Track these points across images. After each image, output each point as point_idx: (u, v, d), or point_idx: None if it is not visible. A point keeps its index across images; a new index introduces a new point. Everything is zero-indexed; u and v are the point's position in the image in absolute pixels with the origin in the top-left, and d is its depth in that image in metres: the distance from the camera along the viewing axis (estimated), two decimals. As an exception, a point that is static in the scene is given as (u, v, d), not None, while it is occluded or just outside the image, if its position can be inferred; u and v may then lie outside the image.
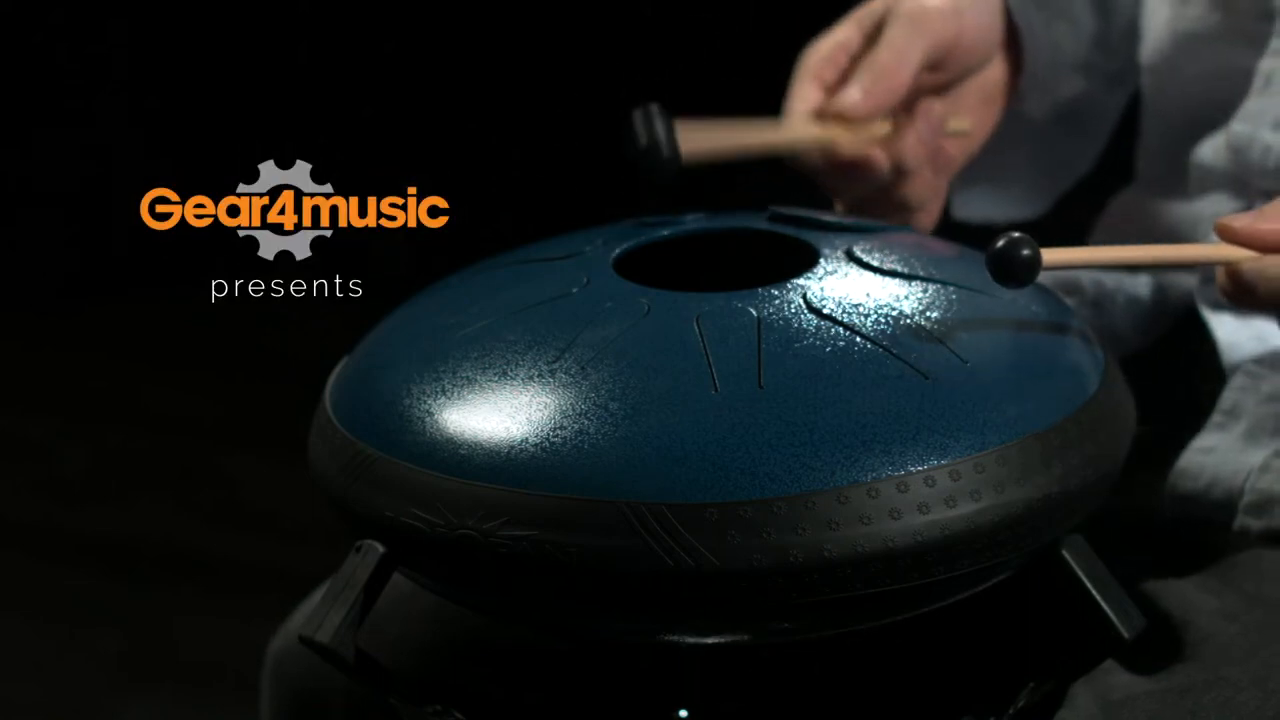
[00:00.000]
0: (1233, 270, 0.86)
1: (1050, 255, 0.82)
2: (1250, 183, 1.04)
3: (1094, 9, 1.16)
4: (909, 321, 0.84)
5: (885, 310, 0.85)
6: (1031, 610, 0.89)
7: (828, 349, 0.82)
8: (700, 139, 0.98)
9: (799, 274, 0.88)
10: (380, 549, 0.82)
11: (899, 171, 1.05)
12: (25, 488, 2.59)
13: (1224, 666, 0.87)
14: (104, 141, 3.17)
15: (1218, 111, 1.06)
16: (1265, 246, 0.85)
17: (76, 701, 2.14)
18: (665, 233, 0.95)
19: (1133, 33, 1.15)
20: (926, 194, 1.07)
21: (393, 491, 0.81)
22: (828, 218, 0.95)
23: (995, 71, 1.12)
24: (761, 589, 0.77)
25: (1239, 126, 1.03)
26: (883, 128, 1.05)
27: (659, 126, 0.94)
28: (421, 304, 0.93)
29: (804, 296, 0.86)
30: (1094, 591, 0.81)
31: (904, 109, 1.06)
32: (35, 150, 3.18)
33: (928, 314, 0.85)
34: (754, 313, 0.84)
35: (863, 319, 0.84)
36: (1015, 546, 0.80)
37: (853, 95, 1.04)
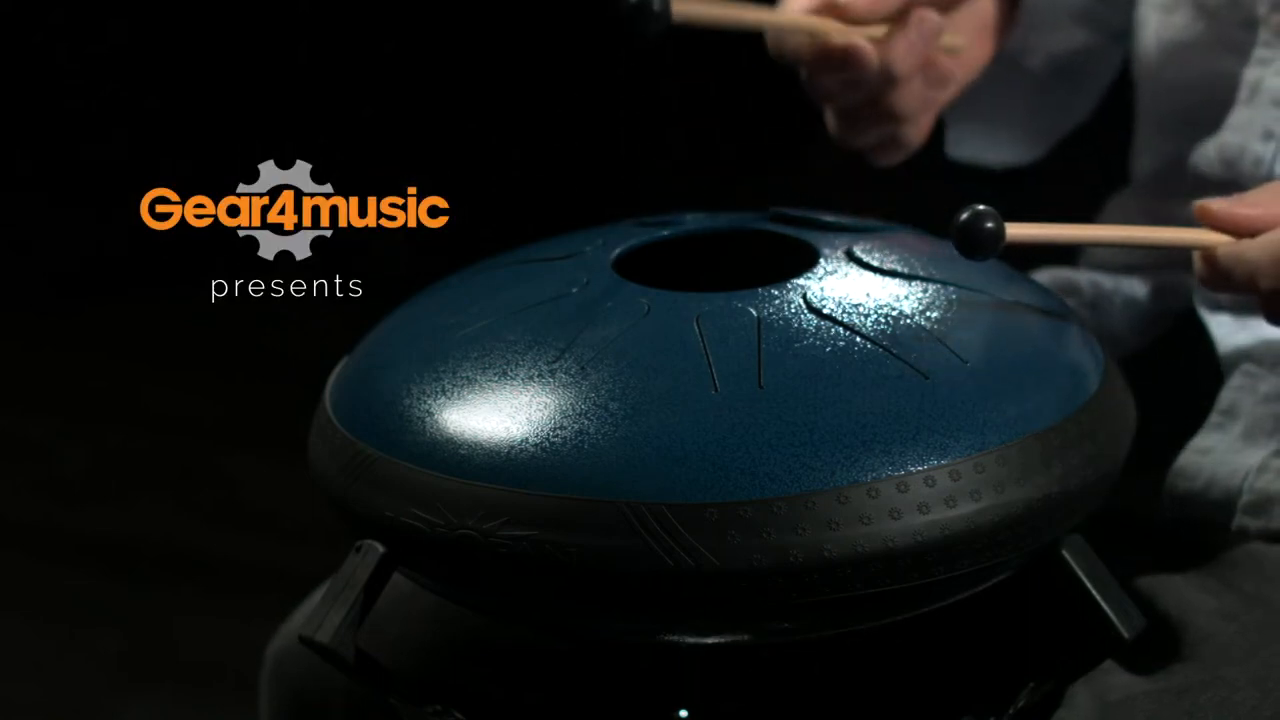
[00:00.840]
0: (1209, 255, 0.86)
1: (1015, 230, 0.82)
2: (1245, 189, 1.03)
3: None
4: (909, 321, 0.84)
5: (885, 310, 0.85)
6: (1031, 610, 0.89)
7: (828, 349, 0.82)
8: (694, 5, 0.97)
9: (799, 274, 0.88)
10: (380, 549, 0.82)
11: (887, 78, 1.03)
12: (25, 488, 2.59)
13: (1222, 666, 0.87)
14: (104, 141, 3.17)
15: (1208, 117, 1.06)
16: (1241, 231, 0.86)
17: (76, 701, 2.14)
18: (665, 233, 0.95)
19: None
20: (916, 105, 1.05)
21: (393, 491, 0.81)
22: (828, 218, 0.95)
23: (991, 4, 1.11)
24: (761, 589, 0.77)
25: (1229, 137, 1.03)
26: (877, 30, 1.03)
27: None
28: (421, 304, 0.93)
29: (804, 296, 0.86)
30: (1094, 591, 0.81)
31: (900, 18, 1.04)
32: (35, 150, 3.18)
33: (928, 314, 0.85)
34: (754, 313, 0.84)
35: (863, 319, 0.84)
36: (1015, 546, 0.80)
37: None
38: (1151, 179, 1.12)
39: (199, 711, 2.12)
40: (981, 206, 0.81)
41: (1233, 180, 1.04)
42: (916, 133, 1.06)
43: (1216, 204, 0.86)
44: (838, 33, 1.02)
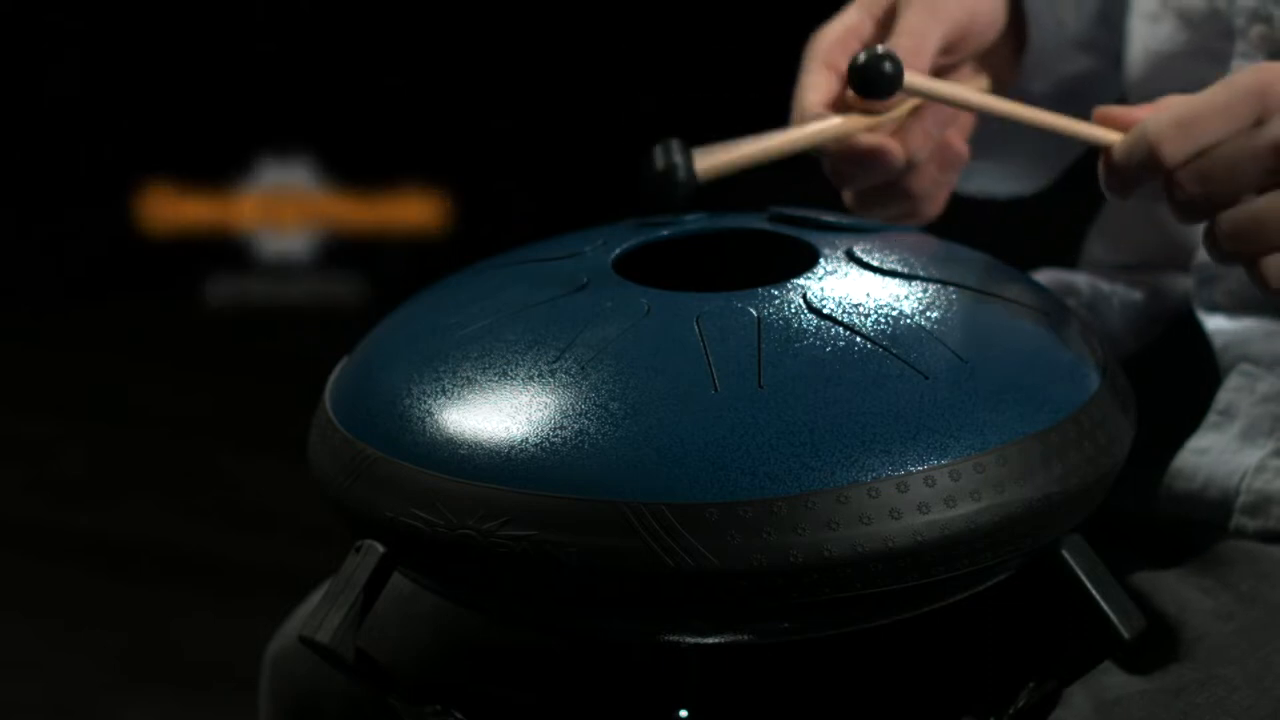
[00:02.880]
0: (1106, 153, 0.85)
1: (914, 79, 0.82)
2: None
3: None
4: (909, 321, 0.84)
5: (885, 310, 0.85)
6: (1031, 610, 0.89)
7: (828, 349, 0.82)
8: (716, 156, 0.96)
9: (799, 274, 0.88)
10: (380, 549, 0.82)
11: (908, 163, 1.04)
12: (25, 487, 2.59)
13: (1218, 666, 0.87)
14: (104, 141, 3.17)
15: None
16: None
17: (76, 701, 2.14)
18: (665, 233, 0.95)
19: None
20: (930, 186, 1.06)
21: (393, 491, 0.81)
22: (828, 218, 0.94)
23: (998, 51, 1.11)
24: (761, 589, 0.77)
25: None
26: (903, 112, 1.03)
27: (676, 152, 0.93)
28: (421, 304, 0.93)
29: (804, 296, 0.85)
30: (1094, 591, 0.81)
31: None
32: (35, 150, 3.18)
33: (928, 314, 0.85)
34: (754, 313, 0.84)
35: (863, 319, 0.84)
36: (1015, 546, 0.80)
37: None
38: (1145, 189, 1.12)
39: (199, 711, 2.12)
40: (881, 48, 0.81)
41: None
42: (933, 208, 1.07)
43: (1116, 107, 0.86)
44: (864, 132, 1.02)
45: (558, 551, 0.78)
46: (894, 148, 1.01)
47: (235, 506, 2.52)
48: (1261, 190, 0.83)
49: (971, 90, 0.87)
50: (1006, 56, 1.12)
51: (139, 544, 2.44)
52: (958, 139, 1.05)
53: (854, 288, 0.87)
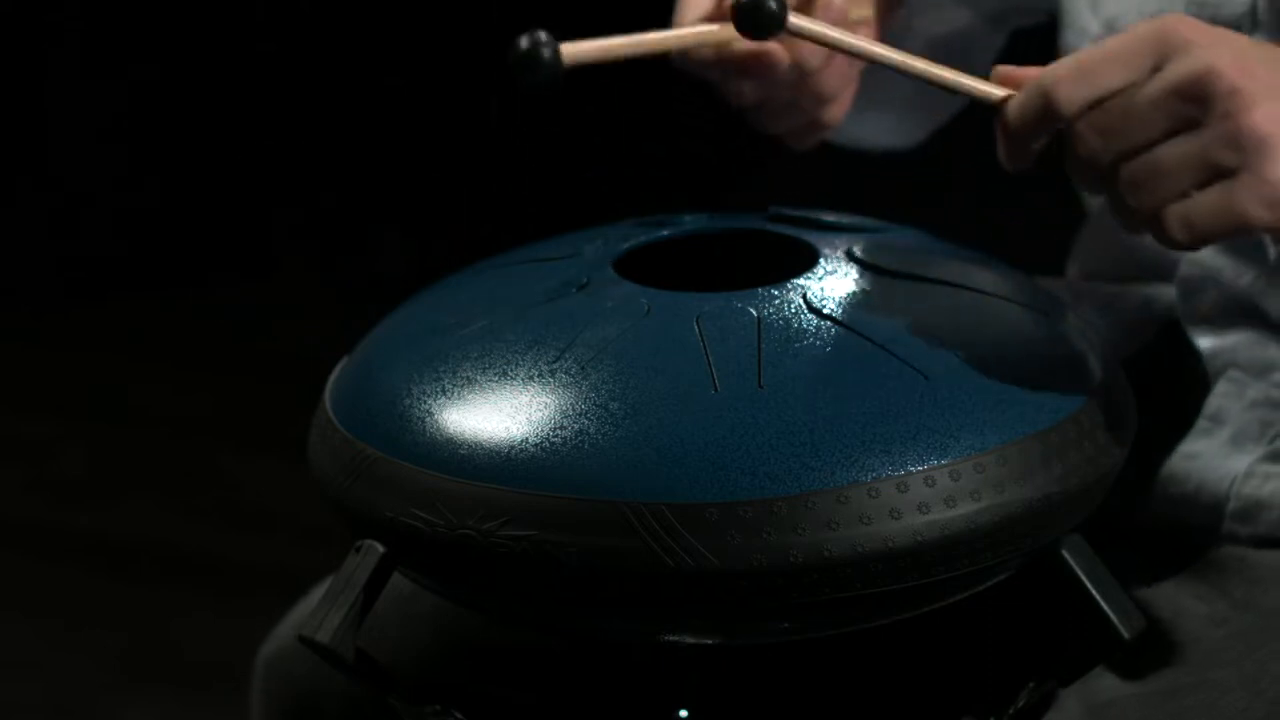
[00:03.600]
0: (1002, 118, 0.82)
1: (799, 21, 0.81)
2: None
3: None
4: (909, 321, 0.84)
5: (885, 310, 0.85)
6: (1031, 610, 0.89)
7: (828, 349, 0.83)
8: (586, 46, 0.95)
9: (799, 274, 0.88)
10: (380, 549, 0.82)
11: (801, 71, 1.01)
12: (24, 487, 2.59)
13: (1210, 669, 0.88)
14: (103, 141, 3.17)
15: None
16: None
17: (76, 701, 2.14)
18: (665, 233, 0.95)
19: None
20: (838, 84, 1.03)
21: (393, 491, 0.81)
22: (828, 218, 0.95)
23: None
24: (761, 589, 0.77)
25: None
26: None
27: (541, 36, 0.92)
28: (421, 304, 0.93)
29: (804, 296, 0.85)
30: (1094, 591, 0.81)
31: (804, 7, 1.02)
32: (34, 150, 3.18)
33: (928, 314, 0.85)
34: (754, 313, 0.84)
35: (863, 319, 0.84)
36: (1015, 546, 0.80)
37: None
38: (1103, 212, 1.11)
39: (199, 711, 2.12)
40: None
41: None
42: (837, 111, 1.04)
43: (1013, 67, 0.83)
44: (741, 39, 1.00)
45: (558, 551, 0.78)
46: (775, 50, 0.98)
47: (235, 506, 2.52)
48: (1161, 140, 0.80)
49: (863, 39, 0.85)
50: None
51: (139, 544, 2.44)
52: (859, 29, 1.03)
53: (854, 288, 0.87)
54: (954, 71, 0.85)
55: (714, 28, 0.98)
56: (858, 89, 1.11)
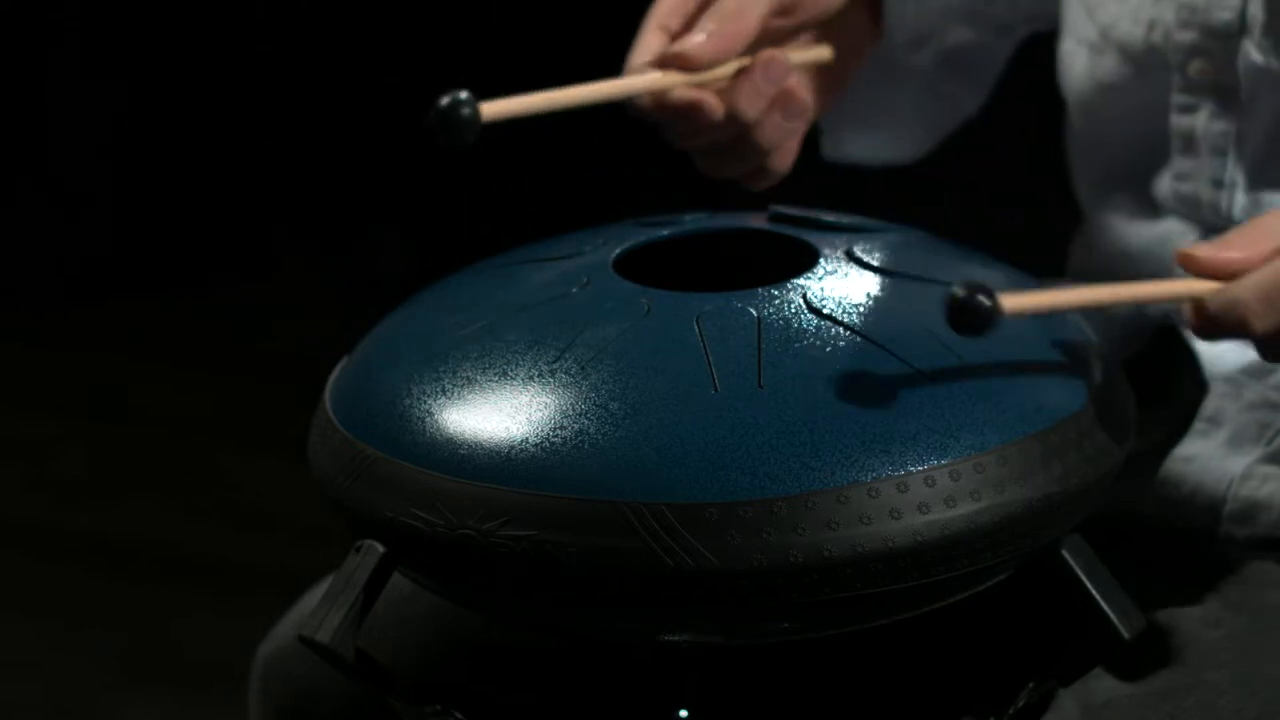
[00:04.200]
0: (1199, 305, 0.84)
1: (1011, 302, 0.80)
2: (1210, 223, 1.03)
3: None
4: (909, 321, 0.84)
5: (885, 310, 0.85)
6: (1031, 610, 0.89)
7: (828, 349, 0.83)
8: (505, 101, 0.95)
9: (799, 274, 0.88)
10: (380, 549, 0.82)
11: (737, 120, 1.02)
12: (24, 487, 2.59)
13: (1206, 671, 0.88)
14: (103, 141, 3.17)
15: (1149, 149, 1.05)
16: (1227, 275, 0.83)
17: (76, 701, 2.14)
18: (665, 233, 0.95)
19: None
20: (774, 139, 1.03)
21: (393, 491, 0.81)
22: (828, 218, 0.95)
23: (856, 15, 1.10)
24: (761, 589, 0.77)
25: (1181, 186, 1.03)
26: (726, 74, 1.01)
27: (461, 95, 0.93)
28: (421, 304, 0.93)
29: (804, 296, 0.86)
30: (1094, 592, 0.81)
31: (750, 55, 1.02)
32: (34, 150, 3.18)
33: (928, 314, 0.85)
34: (754, 313, 0.84)
35: (863, 319, 0.84)
36: (1015, 546, 0.80)
37: (695, 40, 1.00)
38: (1102, 208, 1.11)
39: (199, 711, 2.12)
40: (976, 281, 0.79)
41: (1196, 219, 1.03)
42: (782, 160, 1.04)
43: (1200, 250, 0.84)
44: (679, 86, 1.00)
45: (558, 551, 0.78)
46: (709, 100, 0.99)
47: (235, 506, 2.52)
48: None
49: (1073, 293, 0.87)
50: (860, 25, 1.11)
51: (139, 544, 2.44)
52: (801, 88, 1.03)
53: (854, 288, 0.87)
54: (1152, 284, 0.89)
55: (655, 76, 0.99)
56: (858, 109, 1.11)
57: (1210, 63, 1.01)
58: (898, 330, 0.83)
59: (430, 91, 0.91)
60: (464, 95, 0.91)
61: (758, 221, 0.96)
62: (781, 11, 1.03)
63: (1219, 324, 0.84)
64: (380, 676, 0.87)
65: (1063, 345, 0.87)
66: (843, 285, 0.87)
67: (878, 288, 0.87)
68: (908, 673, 0.94)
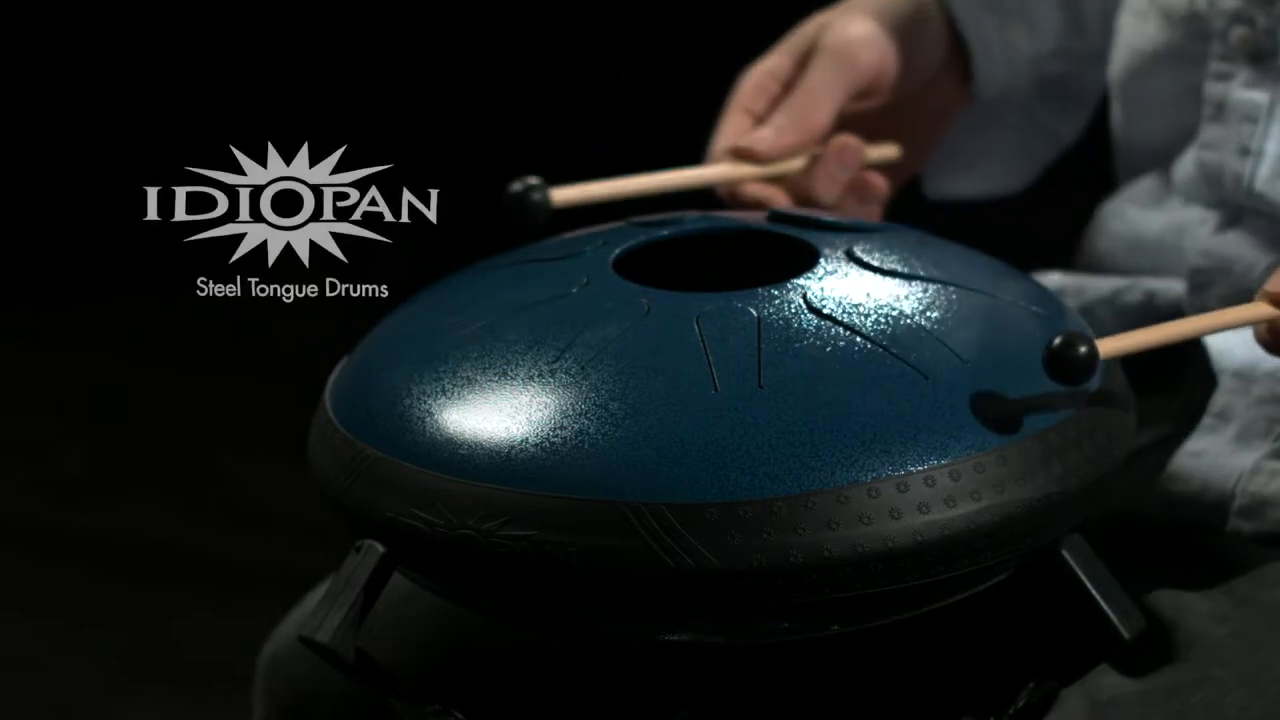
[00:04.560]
0: (1274, 326, 0.86)
1: (1107, 346, 0.81)
2: (1233, 201, 1.03)
3: (1058, 3, 1.15)
4: (909, 321, 0.84)
5: (885, 310, 0.85)
6: (1031, 610, 0.89)
7: (828, 349, 0.82)
8: (573, 188, 1.00)
9: (799, 274, 0.88)
10: (380, 549, 0.82)
11: (815, 203, 1.05)
12: (24, 487, 2.59)
13: (1213, 667, 0.88)
14: (103, 140, 3.17)
15: (1184, 129, 1.06)
16: None
17: (76, 701, 2.14)
18: (665, 233, 0.95)
19: (1109, 11, 1.15)
20: (854, 216, 1.06)
21: (393, 491, 0.81)
22: (828, 218, 0.95)
23: (944, 82, 1.11)
24: (761, 589, 0.77)
25: (1206, 155, 1.03)
26: (797, 165, 1.04)
27: (532, 180, 0.97)
28: (421, 304, 0.93)
29: (804, 296, 0.85)
30: (1094, 591, 0.81)
31: (825, 144, 1.05)
32: (34, 149, 3.18)
33: (928, 314, 0.85)
34: (754, 313, 0.84)
35: (863, 319, 0.84)
36: (1015, 546, 0.80)
37: (764, 134, 1.04)
38: (1137, 187, 1.11)
39: (199, 711, 2.12)
40: (1073, 332, 0.80)
41: (1216, 195, 1.03)
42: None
43: (1273, 283, 0.86)
44: (750, 180, 1.03)
45: (558, 551, 0.78)
46: (777, 200, 1.02)
47: (235, 506, 2.52)
48: None
49: (1154, 331, 0.88)
50: (949, 89, 1.12)
51: (139, 544, 2.44)
52: (876, 175, 1.06)
53: (854, 288, 0.87)
54: (1219, 315, 0.90)
55: (724, 168, 1.03)
56: (957, 151, 1.12)
57: (1252, 29, 1.01)
58: (898, 330, 0.83)
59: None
60: (533, 181, 0.96)
61: (758, 221, 0.96)
62: (860, 96, 1.05)
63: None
64: (380, 676, 0.87)
65: (1063, 345, 0.87)
66: (843, 285, 0.87)
67: (878, 288, 0.87)
68: (908, 673, 0.94)
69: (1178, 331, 0.88)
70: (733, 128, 1.05)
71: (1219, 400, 1.00)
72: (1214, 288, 1.02)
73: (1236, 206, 1.03)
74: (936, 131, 1.13)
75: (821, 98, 1.04)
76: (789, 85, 1.06)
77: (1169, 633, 0.89)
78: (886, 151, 1.09)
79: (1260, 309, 0.87)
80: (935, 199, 1.17)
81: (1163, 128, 1.08)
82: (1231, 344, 1.01)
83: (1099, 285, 1.09)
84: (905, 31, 1.08)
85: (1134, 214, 1.09)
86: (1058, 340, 0.80)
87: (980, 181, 1.18)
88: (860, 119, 1.08)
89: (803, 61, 1.07)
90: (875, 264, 0.89)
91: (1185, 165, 1.05)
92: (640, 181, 1.01)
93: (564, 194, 0.99)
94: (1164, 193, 1.08)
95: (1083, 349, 0.79)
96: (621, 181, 1.00)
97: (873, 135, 1.08)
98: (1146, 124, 1.09)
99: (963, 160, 1.16)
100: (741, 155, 1.04)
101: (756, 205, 1.03)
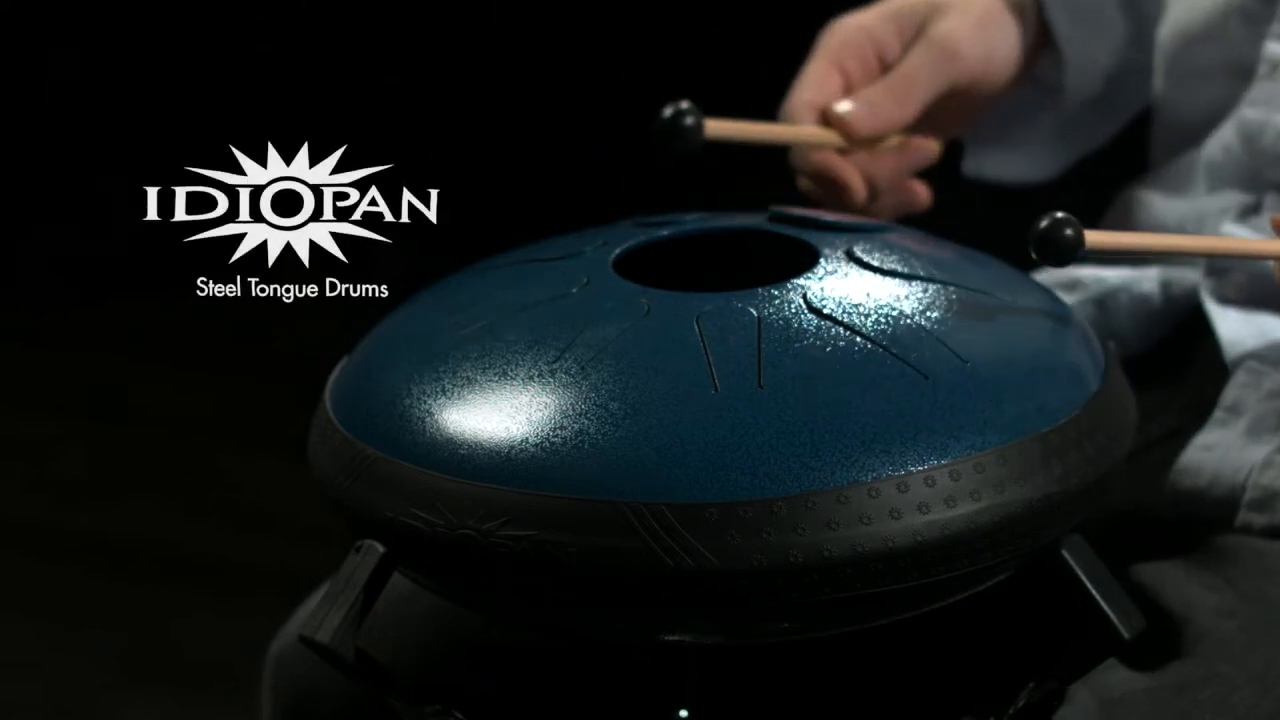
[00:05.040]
0: None
1: (1094, 237, 0.82)
2: (1262, 174, 1.03)
3: (1123, 11, 1.15)
4: (909, 321, 0.84)
5: (885, 310, 0.85)
6: (1031, 610, 0.89)
7: (828, 349, 0.82)
8: (723, 124, 0.99)
9: (799, 274, 0.88)
10: (380, 549, 0.82)
11: (869, 185, 1.04)
12: (25, 488, 2.59)
13: (1220, 663, 0.88)
14: (103, 140, 3.17)
15: (1222, 106, 1.06)
16: None
17: (76, 701, 2.14)
18: (665, 233, 0.95)
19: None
20: (883, 210, 1.06)
21: (393, 491, 0.81)
22: (828, 218, 0.95)
23: (1017, 82, 1.11)
24: (761, 589, 0.77)
25: (1250, 112, 1.03)
26: (890, 145, 1.04)
27: (685, 106, 0.95)
28: (421, 304, 0.93)
29: (804, 296, 0.86)
30: (1094, 591, 0.81)
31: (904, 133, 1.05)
32: (34, 149, 3.18)
33: (928, 314, 0.85)
34: (754, 313, 0.84)
35: (863, 319, 0.84)
36: (1015, 546, 0.80)
37: (859, 112, 1.02)
38: (1169, 171, 1.12)
39: (199, 711, 2.12)
40: (1060, 214, 0.81)
41: (1250, 159, 1.04)
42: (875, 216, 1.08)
43: None
44: (831, 145, 1.03)
45: (558, 551, 0.78)
46: (858, 187, 1.03)
47: (235, 506, 2.52)
48: None
49: (1151, 236, 0.89)
50: (1022, 82, 1.12)
51: (139, 544, 2.44)
52: (920, 184, 1.06)
53: (854, 288, 0.87)
54: (1240, 241, 0.92)
55: (821, 132, 1.04)
56: (1003, 129, 1.12)
57: None
58: (898, 330, 0.83)
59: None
60: (685, 105, 0.96)
61: (758, 221, 0.96)
62: (952, 94, 1.04)
63: None
64: (380, 676, 0.86)
65: (1064, 345, 0.87)
66: (843, 285, 0.87)
67: (878, 288, 0.87)
68: (908, 673, 0.94)
69: (1175, 243, 0.89)
70: (818, 80, 1.04)
71: (1230, 394, 1.00)
72: (1232, 274, 1.02)
73: (1261, 184, 1.03)
74: (975, 117, 1.13)
75: (921, 88, 1.03)
76: (882, 56, 1.05)
77: (1177, 628, 0.89)
78: (929, 147, 1.09)
79: (1274, 244, 0.87)
80: (971, 177, 1.17)
81: (1203, 103, 1.08)
82: (1243, 336, 1.01)
83: (1115, 275, 1.09)
84: (1006, 34, 1.08)
85: (1155, 201, 1.09)
86: (1045, 221, 0.81)
87: (1017, 166, 1.18)
88: (935, 112, 1.07)
89: (904, 36, 1.06)
90: (875, 264, 0.89)
91: (1215, 143, 1.05)
92: (772, 130, 1.01)
93: (718, 125, 0.98)
94: (1187, 181, 1.08)
95: (1069, 231, 0.81)
96: (762, 128, 1.00)
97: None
98: (1189, 96, 1.10)
99: (1006, 144, 1.16)
100: (834, 122, 1.03)
101: (838, 184, 1.03)
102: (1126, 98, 1.17)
